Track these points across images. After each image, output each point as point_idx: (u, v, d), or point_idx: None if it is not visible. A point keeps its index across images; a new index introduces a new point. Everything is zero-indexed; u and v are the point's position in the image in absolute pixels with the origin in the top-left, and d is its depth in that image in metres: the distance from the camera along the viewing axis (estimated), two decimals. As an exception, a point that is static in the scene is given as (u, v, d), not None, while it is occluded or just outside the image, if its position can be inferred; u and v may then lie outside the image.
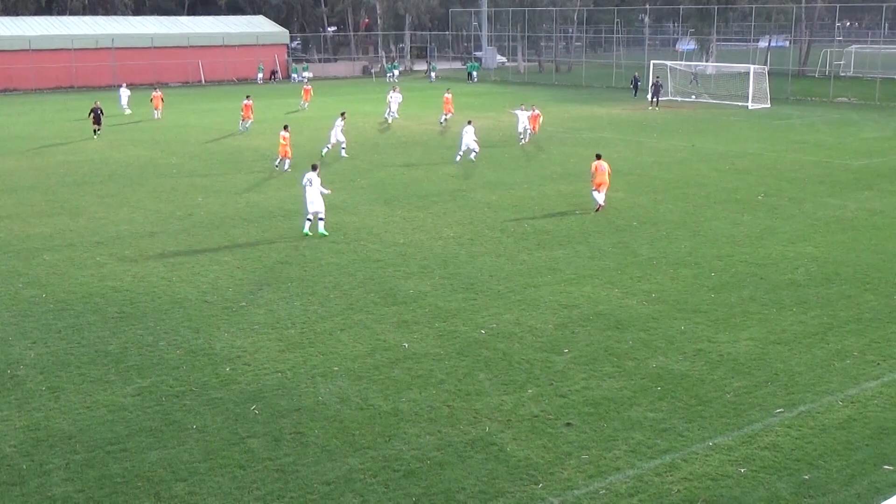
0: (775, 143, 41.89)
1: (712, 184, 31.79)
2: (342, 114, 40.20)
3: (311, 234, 24.50)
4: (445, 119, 49.95)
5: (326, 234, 24.48)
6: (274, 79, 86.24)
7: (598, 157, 28.41)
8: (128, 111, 55.86)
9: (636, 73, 68.31)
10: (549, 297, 19.18)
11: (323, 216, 24.63)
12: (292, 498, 11.41)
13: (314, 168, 25.03)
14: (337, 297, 19.33)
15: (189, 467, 12.16)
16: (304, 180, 24.69)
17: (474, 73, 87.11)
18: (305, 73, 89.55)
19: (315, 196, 24.43)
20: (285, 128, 35.20)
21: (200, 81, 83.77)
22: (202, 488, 11.63)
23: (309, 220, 24.77)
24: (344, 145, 39.12)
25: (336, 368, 15.47)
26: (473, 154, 36.61)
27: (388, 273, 21.11)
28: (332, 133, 38.98)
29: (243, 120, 47.55)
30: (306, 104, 59.55)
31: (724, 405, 13.90)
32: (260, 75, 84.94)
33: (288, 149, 34.58)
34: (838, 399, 14.09)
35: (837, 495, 11.32)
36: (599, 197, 27.75)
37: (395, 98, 52.28)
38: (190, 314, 18.32)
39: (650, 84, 60.35)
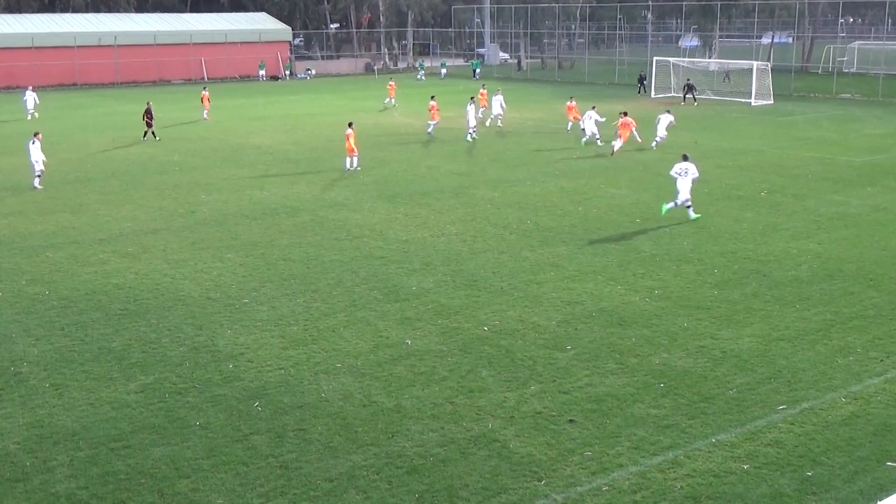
0: (778, 140, 41.84)
1: (715, 180, 31.75)
2: (472, 98, 44.55)
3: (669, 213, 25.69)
4: (573, 127, 45.50)
5: (696, 216, 25.63)
6: (278, 78, 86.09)
7: (625, 114, 37.66)
8: (33, 115, 53.07)
9: (642, 72, 68.15)
10: (551, 294, 19.18)
11: (690, 203, 25.61)
12: (295, 494, 11.43)
13: (685, 158, 26.06)
14: (340, 294, 19.34)
15: (192, 464, 12.17)
16: (676, 170, 25.71)
17: (478, 71, 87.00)
18: (309, 71, 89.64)
19: (684, 185, 25.47)
20: (350, 125, 35.00)
21: (203, 78, 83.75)
22: (205, 485, 11.65)
23: (676, 204, 25.54)
24: (472, 130, 42.57)
25: (339, 365, 15.49)
26: (655, 141, 38.92)
27: (390, 270, 21.12)
28: (469, 117, 42.56)
29: (432, 120, 44.22)
30: (393, 100, 58.35)
31: (727, 402, 13.90)
32: (262, 72, 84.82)
33: (354, 146, 34.15)
34: (841, 396, 14.08)
35: (840, 492, 11.32)
36: (617, 143, 36.89)
37: (497, 100, 48.52)
38: (193, 311, 18.34)
39: (682, 86, 60.55)
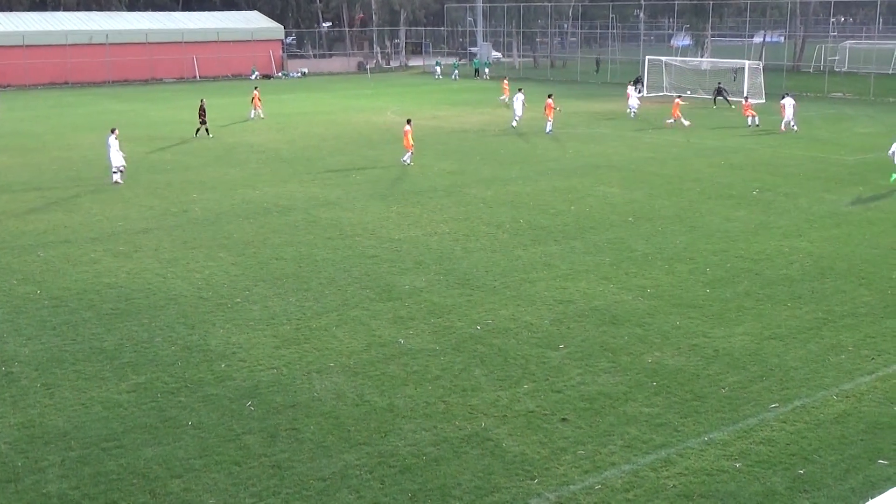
0: (770, 139, 41.92)
1: (707, 179, 31.81)
2: (520, 90, 48.85)
3: None
4: (677, 122, 46.67)
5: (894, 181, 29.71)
6: (271, 77, 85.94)
7: (787, 95, 45.31)
8: None
9: (638, 76, 67.78)
10: (544, 293, 19.19)
11: None
12: (288, 494, 11.41)
13: None
14: (332, 293, 19.32)
15: (184, 464, 12.15)
16: (893, 149, 30.23)
17: (486, 70, 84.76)
18: (302, 70, 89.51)
19: None
20: (408, 122, 35.65)
21: (195, 77, 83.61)
22: (198, 485, 11.62)
23: None
24: (517, 118, 46.11)
25: (331, 364, 15.47)
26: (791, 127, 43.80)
27: (383, 269, 21.10)
28: (517, 107, 46.38)
29: (549, 120, 44.10)
30: (507, 98, 57.69)
31: (719, 400, 13.92)
32: (253, 76, 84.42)
33: (410, 142, 34.72)
34: (833, 394, 14.12)
35: (832, 490, 11.35)
36: (784, 122, 43.82)
37: (632, 91, 52.78)
38: (185, 310, 18.29)
39: (714, 90, 59.81)
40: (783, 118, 44.51)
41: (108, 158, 32.09)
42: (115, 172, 31.91)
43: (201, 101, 45.19)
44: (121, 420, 13.43)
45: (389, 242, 23.43)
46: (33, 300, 19.02)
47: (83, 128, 48.04)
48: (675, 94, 49.23)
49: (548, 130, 43.83)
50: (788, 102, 44.44)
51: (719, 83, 60.55)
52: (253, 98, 51.81)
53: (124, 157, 32.18)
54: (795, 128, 43.96)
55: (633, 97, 51.78)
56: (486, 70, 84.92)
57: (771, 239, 23.43)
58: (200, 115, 43.70)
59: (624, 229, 24.62)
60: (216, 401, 14.07)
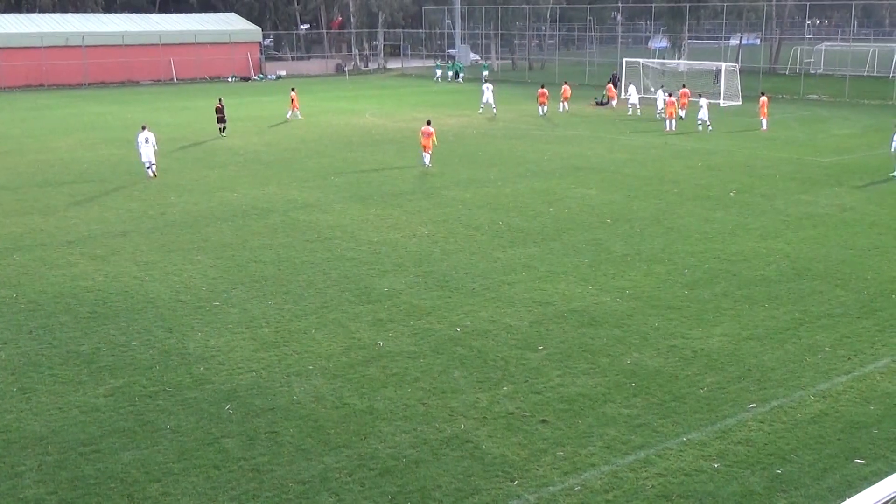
0: (747, 141, 42.20)
1: (685, 181, 31.97)
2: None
3: None
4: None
5: None
6: (249, 79, 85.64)
7: (762, 94, 47.36)
8: None
9: (615, 72, 68.00)
10: (523, 295, 19.22)
11: None
12: (267, 497, 11.37)
13: None
14: (311, 296, 19.27)
15: (163, 468, 12.08)
16: None
17: (485, 73, 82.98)
18: (280, 73, 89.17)
19: None
20: (428, 122, 35.88)
21: (172, 80, 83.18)
22: (176, 489, 11.56)
23: None
24: (484, 104, 53.96)
25: (311, 367, 15.43)
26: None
27: (362, 271, 21.07)
28: (487, 95, 53.70)
29: (543, 105, 52.96)
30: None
31: (697, 401, 13.99)
32: (231, 79, 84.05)
33: (429, 143, 34.85)
34: (810, 394, 14.22)
35: (810, 489, 11.43)
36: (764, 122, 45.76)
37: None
38: (163, 314, 18.19)
39: (609, 79, 61.21)
40: (762, 118, 46.31)
41: (140, 155, 33.34)
42: (148, 168, 33.28)
43: (219, 99, 45.37)
44: (98, 424, 13.34)
45: (368, 245, 23.40)
46: (9, 304, 18.86)
47: (60, 130, 47.68)
48: (666, 93, 50.27)
49: (542, 114, 52.48)
50: (703, 102, 46.22)
51: (614, 72, 60.82)
52: (292, 99, 52.35)
53: (156, 153, 33.41)
54: (710, 128, 45.60)
55: (634, 95, 54.67)
56: (485, 73, 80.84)
57: (748, 240, 23.58)
58: (218, 113, 44.03)
59: (602, 231, 24.71)
60: (194, 404, 14.00)
